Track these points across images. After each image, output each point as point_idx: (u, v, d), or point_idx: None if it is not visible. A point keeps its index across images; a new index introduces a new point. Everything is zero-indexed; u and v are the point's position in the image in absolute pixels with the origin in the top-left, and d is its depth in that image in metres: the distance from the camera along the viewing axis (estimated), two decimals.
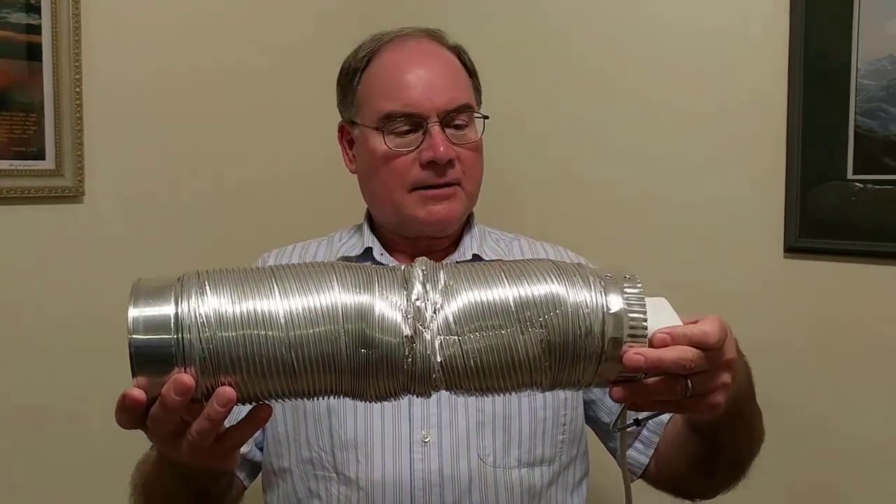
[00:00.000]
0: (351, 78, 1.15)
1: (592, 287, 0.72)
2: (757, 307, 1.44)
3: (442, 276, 0.73)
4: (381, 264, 1.12)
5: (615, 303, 0.71)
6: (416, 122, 1.10)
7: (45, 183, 1.50)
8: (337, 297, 0.70)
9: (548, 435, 1.08)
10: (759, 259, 1.44)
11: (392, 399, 0.74)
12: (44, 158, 1.50)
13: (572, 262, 1.16)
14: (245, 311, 0.69)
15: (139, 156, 1.62)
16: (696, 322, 0.74)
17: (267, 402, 0.73)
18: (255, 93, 1.78)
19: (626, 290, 0.72)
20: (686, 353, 0.71)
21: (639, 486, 1.16)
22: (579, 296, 0.71)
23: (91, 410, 1.55)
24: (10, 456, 1.48)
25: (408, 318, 0.71)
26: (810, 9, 1.35)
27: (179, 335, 0.68)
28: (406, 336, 0.70)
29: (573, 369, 0.72)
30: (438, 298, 0.71)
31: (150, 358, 0.68)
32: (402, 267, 0.75)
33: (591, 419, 1.17)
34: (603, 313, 0.71)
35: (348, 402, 1.04)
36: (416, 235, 1.14)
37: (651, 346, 0.71)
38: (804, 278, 1.40)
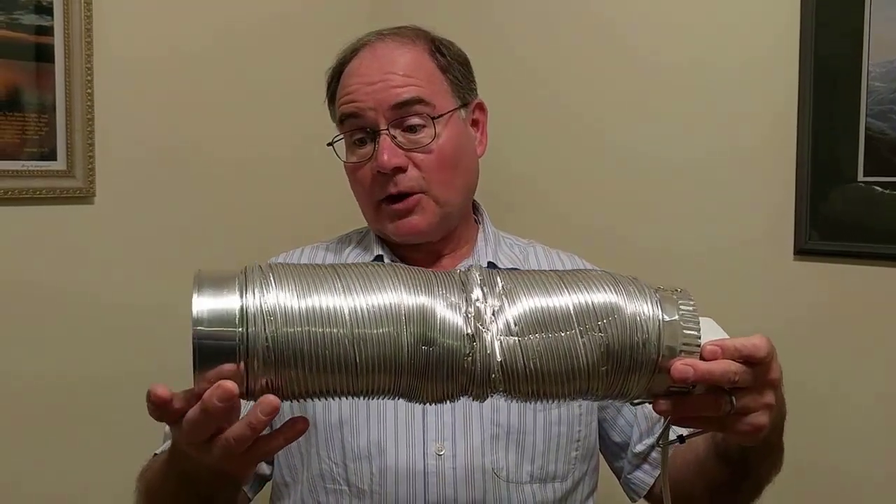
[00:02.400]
0: (331, 91, 1.15)
1: (649, 299, 0.73)
2: (767, 309, 1.43)
3: (499, 280, 0.73)
4: None
5: (671, 314, 0.72)
6: (368, 130, 1.07)
7: (57, 184, 1.50)
8: (400, 297, 0.70)
9: (561, 451, 1.06)
10: (769, 261, 1.43)
11: (448, 401, 0.73)
12: (55, 159, 1.50)
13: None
14: (310, 306, 0.68)
15: (150, 157, 1.63)
16: (745, 338, 0.74)
17: (319, 399, 0.72)
18: (269, 97, 1.78)
19: (680, 305, 0.73)
20: (732, 366, 0.71)
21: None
22: (636, 306, 0.72)
23: (102, 404, 1.56)
24: (17, 455, 1.49)
25: (469, 319, 0.70)
26: (821, 10, 1.35)
27: (245, 328, 0.67)
28: (467, 335, 0.70)
29: (628, 377, 0.72)
30: (497, 302, 0.71)
31: (214, 350, 0.67)
32: (459, 270, 0.75)
33: (601, 437, 1.15)
34: (660, 323, 0.71)
35: (362, 413, 1.03)
36: (402, 244, 1.12)
37: (702, 358, 0.71)
38: (814, 280, 1.39)
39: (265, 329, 0.67)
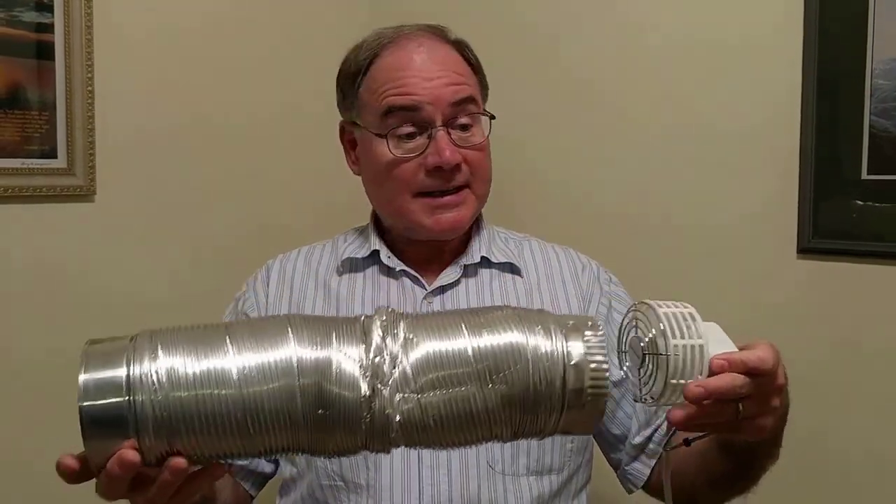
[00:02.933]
0: (352, 80, 1.13)
1: (553, 337, 0.71)
2: (770, 308, 1.43)
3: (402, 328, 0.72)
4: (389, 268, 1.12)
5: (576, 352, 0.71)
6: (420, 124, 1.07)
7: (57, 182, 1.50)
8: (293, 351, 0.69)
9: (556, 443, 1.07)
10: (772, 260, 1.43)
11: (349, 455, 0.73)
12: (56, 157, 1.50)
13: (580, 269, 1.16)
14: (198, 370, 0.68)
15: (150, 155, 1.62)
16: (747, 347, 0.75)
17: (225, 461, 0.72)
18: (268, 93, 1.78)
19: (587, 337, 0.72)
20: (737, 379, 0.73)
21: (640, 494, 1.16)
22: (540, 346, 0.70)
23: None
24: (19, 454, 1.49)
25: (366, 375, 0.69)
26: (824, 8, 1.34)
27: (131, 397, 0.67)
28: (364, 396, 0.69)
29: (534, 421, 0.72)
30: (398, 352, 0.70)
31: (102, 423, 0.67)
32: (363, 318, 0.74)
33: (598, 430, 1.16)
34: (564, 365, 0.70)
35: None
36: (424, 239, 1.12)
37: (710, 371, 0.72)
38: (817, 279, 1.39)
39: (152, 397, 0.67)
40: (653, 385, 0.74)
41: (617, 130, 1.61)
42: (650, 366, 0.74)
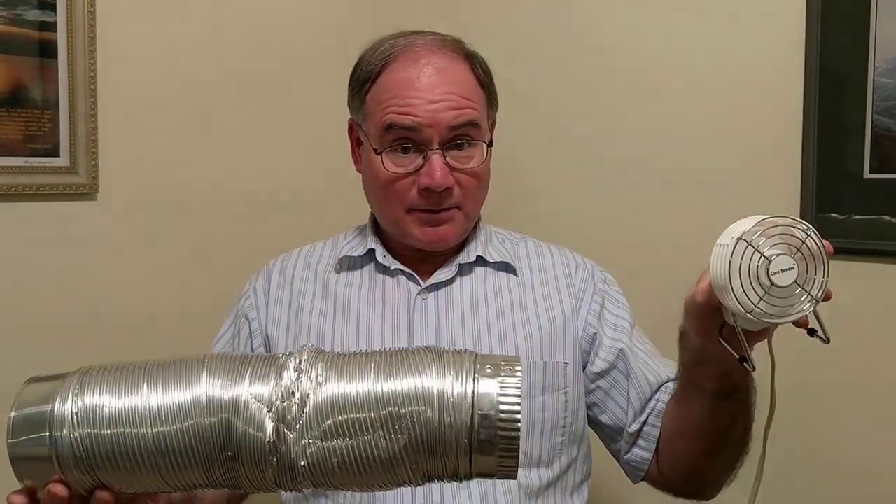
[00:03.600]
0: (361, 85, 1.14)
1: (464, 381, 0.70)
2: None
3: (319, 368, 0.72)
4: (384, 266, 1.15)
5: (487, 398, 0.69)
6: (417, 144, 1.08)
7: (60, 180, 1.50)
8: (204, 390, 0.71)
9: (546, 436, 1.08)
10: None
11: (266, 491, 0.74)
12: (58, 155, 1.50)
13: (574, 267, 1.17)
14: (115, 408, 0.70)
15: (153, 153, 1.62)
16: None
17: (147, 496, 0.75)
18: (269, 92, 1.78)
19: (502, 380, 0.70)
20: None
21: (643, 486, 1.16)
22: (447, 392, 0.69)
23: None
24: None
25: (272, 418, 0.70)
26: (827, 6, 1.34)
27: (51, 433, 0.70)
28: (270, 440, 0.70)
29: (444, 465, 0.71)
30: (308, 394, 0.71)
31: (28, 459, 0.70)
32: (282, 357, 0.74)
33: (594, 421, 1.17)
34: (472, 411, 0.69)
35: None
36: (414, 247, 1.15)
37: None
38: None
39: (70, 434, 0.69)
40: (824, 277, 0.82)
41: (624, 128, 1.61)
42: (805, 266, 0.81)
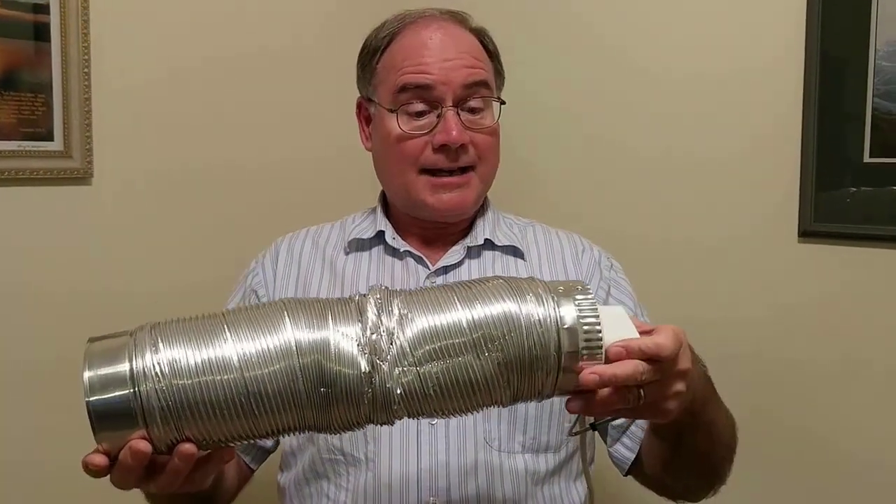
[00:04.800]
0: (371, 56, 1.15)
1: (545, 303, 0.73)
2: (771, 291, 1.43)
3: (396, 305, 0.74)
4: (394, 248, 1.14)
5: (569, 316, 0.72)
6: (431, 102, 1.09)
7: (54, 164, 1.49)
8: (290, 335, 0.71)
9: (554, 422, 1.08)
10: (774, 243, 1.42)
11: (356, 429, 0.75)
12: (52, 140, 1.49)
13: (580, 251, 1.17)
14: (199, 358, 0.70)
15: (148, 137, 1.61)
16: (651, 332, 0.75)
17: (233, 444, 0.74)
18: (266, 76, 1.77)
19: (578, 301, 0.73)
20: (638, 367, 0.73)
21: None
22: (533, 313, 0.72)
23: None
24: (12, 434, 1.49)
25: (364, 352, 0.71)
26: None
27: (136, 389, 0.69)
28: (364, 372, 0.71)
29: (532, 384, 0.73)
30: (394, 327, 0.72)
31: (111, 416, 0.69)
32: (357, 297, 0.76)
33: None
34: (558, 328, 0.72)
35: None
36: (427, 219, 1.14)
37: (606, 359, 0.73)
38: (819, 262, 1.38)
39: (157, 386, 0.69)
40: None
41: (616, 117, 1.60)
42: None
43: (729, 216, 1.47)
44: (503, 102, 1.15)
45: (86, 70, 1.51)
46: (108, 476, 0.73)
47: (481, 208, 1.19)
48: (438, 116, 1.09)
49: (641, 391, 0.75)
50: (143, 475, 0.73)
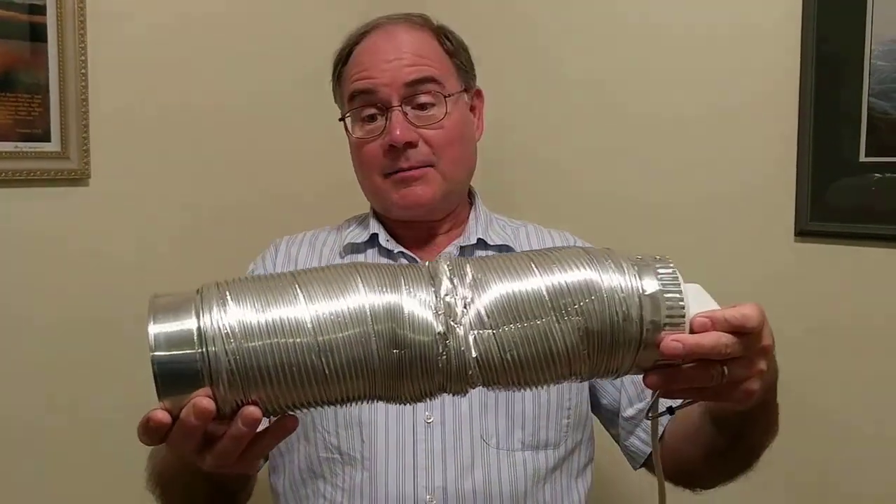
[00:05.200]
0: (334, 70, 1.19)
1: (626, 271, 0.69)
2: (767, 291, 1.42)
3: (469, 269, 0.71)
4: (388, 250, 1.14)
5: (650, 285, 0.69)
6: (379, 106, 1.11)
7: (51, 165, 1.49)
8: (364, 298, 0.68)
9: (552, 418, 1.08)
10: (769, 243, 1.43)
11: (427, 399, 0.71)
12: (49, 140, 1.49)
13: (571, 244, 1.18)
14: (270, 319, 0.66)
15: (145, 138, 1.61)
16: (734, 307, 0.71)
17: (296, 412, 0.71)
18: (267, 76, 1.77)
19: (659, 271, 0.70)
20: (722, 338, 0.69)
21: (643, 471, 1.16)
22: (614, 280, 0.69)
23: (96, 392, 1.56)
24: (14, 438, 1.49)
25: (439, 315, 0.68)
26: None
27: (205, 349, 0.66)
28: (439, 333, 0.68)
29: (612, 356, 0.69)
30: (468, 293, 0.69)
31: (176, 375, 0.66)
32: (427, 263, 0.73)
33: (595, 405, 1.17)
34: (639, 296, 0.68)
35: None
36: (404, 220, 1.15)
37: (691, 330, 0.69)
38: (815, 262, 1.39)
39: (226, 346, 0.65)
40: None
41: (614, 117, 1.60)
42: None
43: (725, 215, 1.48)
44: (448, 96, 1.13)
45: (83, 71, 1.51)
46: (165, 440, 0.70)
47: (471, 207, 1.20)
48: (386, 118, 1.10)
49: (725, 368, 0.70)
50: (201, 443, 0.70)
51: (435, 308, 0.68)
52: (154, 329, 0.67)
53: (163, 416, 0.67)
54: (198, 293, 0.69)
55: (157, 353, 0.66)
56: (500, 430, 1.06)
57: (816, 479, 1.40)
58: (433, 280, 0.70)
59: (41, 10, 1.46)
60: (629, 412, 1.13)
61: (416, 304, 0.68)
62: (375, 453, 1.04)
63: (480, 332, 0.68)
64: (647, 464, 1.13)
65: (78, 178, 1.53)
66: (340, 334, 0.67)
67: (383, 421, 1.05)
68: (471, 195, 1.23)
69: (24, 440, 1.49)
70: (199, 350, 0.66)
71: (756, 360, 0.73)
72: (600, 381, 1.15)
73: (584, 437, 1.13)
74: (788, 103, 1.38)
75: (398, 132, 1.08)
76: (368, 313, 0.67)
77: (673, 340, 0.68)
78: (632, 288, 0.69)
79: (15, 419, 1.48)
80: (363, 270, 0.70)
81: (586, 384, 1.14)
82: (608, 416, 1.17)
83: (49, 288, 1.51)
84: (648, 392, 1.10)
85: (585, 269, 0.69)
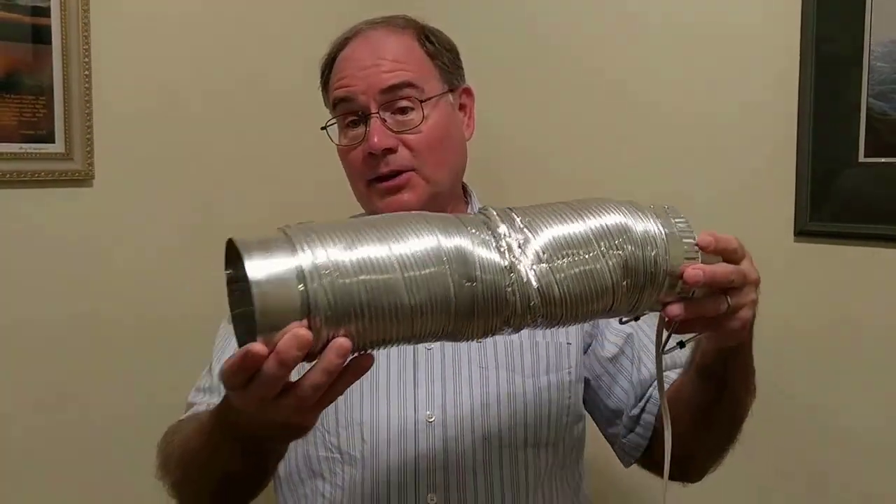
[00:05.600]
0: (321, 77, 1.19)
1: (650, 216, 0.79)
2: (767, 290, 1.41)
3: (515, 216, 0.77)
4: None
5: (670, 227, 0.80)
6: (360, 114, 1.11)
7: (55, 166, 1.50)
8: (436, 239, 0.72)
9: (552, 417, 1.09)
10: (769, 242, 1.43)
11: (490, 335, 0.76)
12: (53, 142, 1.50)
13: None
14: (360, 257, 0.69)
15: (149, 139, 1.62)
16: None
17: (375, 349, 0.72)
18: (268, 76, 1.78)
19: (674, 219, 0.80)
20: (728, 268, 0.80)
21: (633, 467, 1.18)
22: (643, 224, 0.78)
23: (99, 388, 1.57)
24: (28, 437, 1.50)
25: (503, 253, 0.74)
26: None
27: (305, 286, 0.66)
28: (505, 267, 0.73)
29: (643, 290, 0.78)
30: (520, 235, 0.75)
31: (276, 310, 0.66)
32: (478, 211, 0.79)
33: (594, 405, 1.18)
34: (665, 236, 0.79)
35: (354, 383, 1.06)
36: None
37: (701, 248, 0.80)
38: (815, 261, 1.39)
39: (323, 284, 0.67)
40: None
41: (614, 116, 1.61)
42: None
43: (725, 215, 1.48)
44: (425, 100, 1.12)
45: (86, 72, 1.51)
46: (254, 377, 0.69)
47: (468, 207, 1.20)
48: (366, 126, 1.11)
49: (728, 298, 0.80)
50: (279, 389, 0.70)
51: (497, 247, 0.74)
52: (253, 267, 0.67)
53: (261, 347, 0.67)
54: (283, 233, 0.71)
55: (259, 290, 0.66)
56: (502, 428, 1.06)
57: (815, 478, 1.41)
58: (488, 224, 0.76)
59: (44, 12, 1.47)
60: (634, 411, 1.14)
61: (481, 244, 0.74)
62: (377, 453, 1.04)
63: (539, 266, 0.75)
64: (641, 458, 1.14)
65: (82, 179, 1.54)
66: (423, 271, 0.71)
67: (384, 420, 1.05)
68: (466, 192, 1.22)
69: (22, 442, 1.50)
70: (300, 286, 0.67)
71: (748, 290, 0.83)
72: (606, 385, 1.15)
73: (577, 435, 1.15)
74: (788, 103, 1.38)
75: (376, 139, 1.09)
76: (443, 253, 0.72)
77: (694, 269, 0.78)
78: (657, 230, 0.79)
79: (19, 416, 1.49)
80: (429, 216, 0.76)
81: (581, 384, 1.15)
82: (609, 416, 1.17)
83: (53, 288, 1.52)
84: (648, 392, 1.11)
85: (618, 214, 0.79)
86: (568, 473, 1.13)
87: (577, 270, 0.75)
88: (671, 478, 1.11)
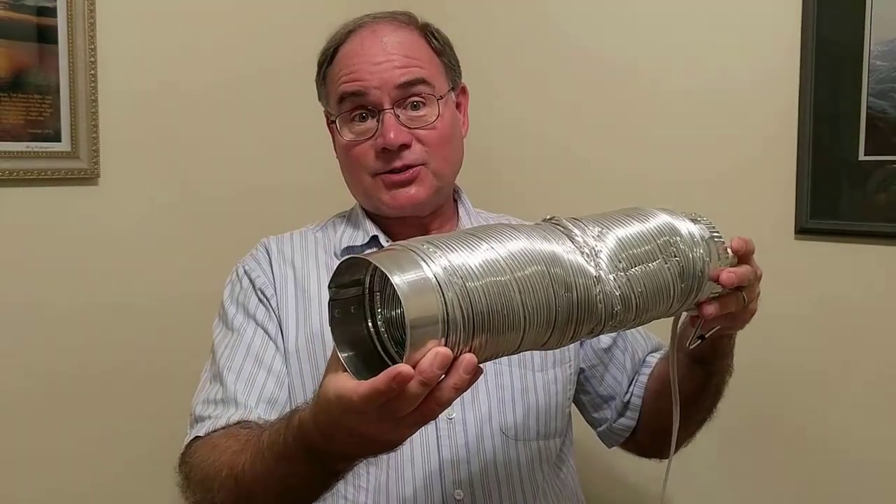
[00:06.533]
0: (319, 70, 1.18)
1: (688, 221, 0.85)
2: (767, 288, 1.42)
3: (585, 223, 0.79)
4: None
5: (706, 232, 0.85)
6: (370, 108, 1.11)
7: (61, 165, 1.51)
8: (532, 245, 0.73)
9: (559, 408, 1.14)
10: (769, 240, 1.43)
11: (568, 343, 0.76)
12: (59, 140, 1.51)
13: None
14: (479, 261, 0.68)
15: (154, 138, 1.63)
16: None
17: (488, 360, 0.71)
18: (272, 77, 1.79)
19: (704, 222, 0.86)
20: (749, 269, 0.88)
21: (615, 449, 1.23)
22: (686, 228, 0.83)
23: (108, 390, 1.57)
24: (30, 433, 1.51)
25: (588, 261, 0.75)
26: None
27: (443, 295, 0.65)
28: (595, 277, 0.75)
29: (691, 292, 0.83)
30: (595, 243, 0.77)
31: (423, 325, 0.65)
32: (551, 219, 0.80)
33: (584, 392, 1.23)
34: (705, 241, 0.84)
35: None
36: (390, 216, 1.15)
37: (734, 252, 0.87)
38: (815, 260, 1.40)
39: (457, 292, 0.66)
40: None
41: (612, 117, 1.61)
42: None
43: (725, 214, 1.47)
44: (440, 97, 1.13)
45: (92, 72, 1.53)
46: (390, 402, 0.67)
47: (461, 204, 1.22)
48: (378, 120, 1.11)
49: (743, 294, 0.89)
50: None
51: (583, 254, 0.76)
52: (399, 280, 0.65)
53: (409, 370, 0.65)
54: (404, 248, 0.69)
55: (410, 304, 0.64)
56: (517, 422, 1.10)
57: (815, 478, 1.41)
58: (566, 232, 0.77)
59: (51, 12, 1.48)
60: (627, 396, 1.20)
61: (568, 252, 0.75)
62: (401, 453, 1.05)
63: (617, 273, 0.77)
64: (626, 441, 1.22)
65: (88, 178, 1.55)
66: (529, 270, 0.71)
67: None
68: (455, 190, 1.24)
69: (22, 442, 1.51)
70: (441, 297, 0.65)
71: (755, 285, 0.92)
72: (599, 373, 1.21)
73: (570, 422, 1.21)
74: (788, 103, 1.39)
75: (392, 135, 1.09)
76: (542, 258, 0.73)
77: (728, 273, 0.85)
78: (699, 234, 0.84)
79: (22, 409, 1.50)
80: (517, 226, 0.76)
81: (576, 377, 1.20)
82: (598, 402, 1.22)
83: (59, 286, 1.53)
84: (637, 378, 1.20)
85: (660, 218, 0.83)
86: (570, 461, 1.19)
87: (648, 277, 0.78)
88: (647, 455, 1.18)
